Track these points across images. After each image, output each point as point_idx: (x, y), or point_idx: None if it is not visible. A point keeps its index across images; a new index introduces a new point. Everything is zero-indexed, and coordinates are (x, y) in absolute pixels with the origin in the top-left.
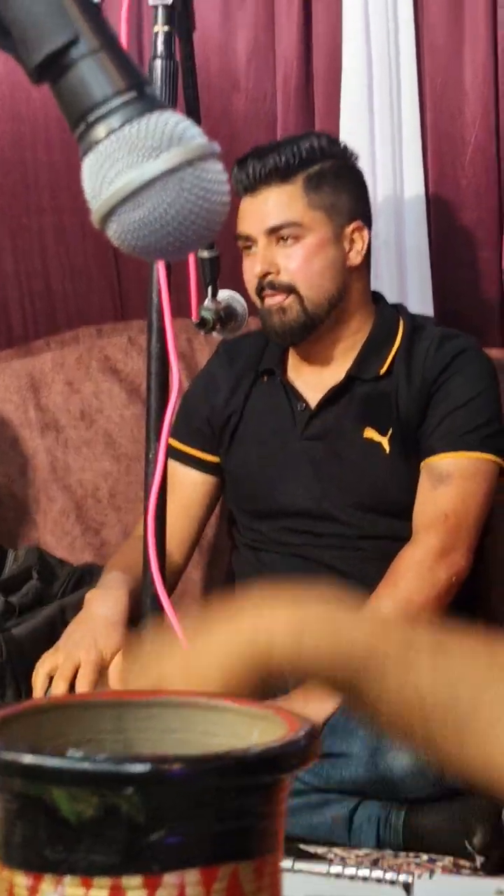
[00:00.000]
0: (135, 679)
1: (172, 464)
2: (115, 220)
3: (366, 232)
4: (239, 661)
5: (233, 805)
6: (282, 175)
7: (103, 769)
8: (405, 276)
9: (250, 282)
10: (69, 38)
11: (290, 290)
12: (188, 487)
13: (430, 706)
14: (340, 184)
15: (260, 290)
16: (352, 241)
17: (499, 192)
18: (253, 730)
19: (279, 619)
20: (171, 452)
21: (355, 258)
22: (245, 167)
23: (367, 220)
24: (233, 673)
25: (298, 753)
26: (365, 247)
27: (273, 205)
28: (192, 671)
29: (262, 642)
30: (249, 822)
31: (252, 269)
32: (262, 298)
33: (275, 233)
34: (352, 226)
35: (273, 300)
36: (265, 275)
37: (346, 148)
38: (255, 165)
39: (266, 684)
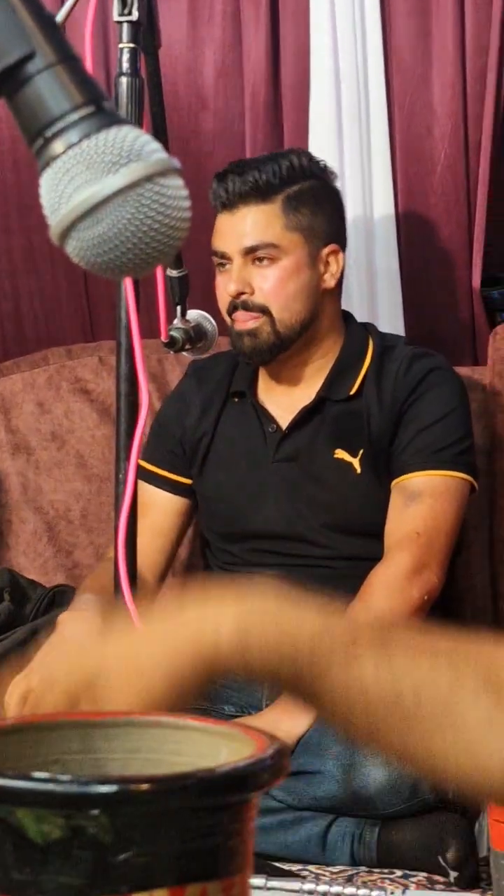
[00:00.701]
0: (74, 659)
1: (145, 486)
2: (74, 236)
3: (341, 255)
4: (182, 655)
5: (200, 825)
6: (262, 194)
7: (69, 790)
8: (376, 294)
9: (223, 299)
10: (25, 52)
11: (263, 310)
12: (160, 509)
13: (373, 701)
14: (319, 206)
15: (233, 310)
16: (327, 264)
17: (468, 210)
18: (221, 749)
19: (225, 613)
20: (144, 475)
21: (329, 281)
22: (224, 183)
23: (343, 243)
24: (176, 667)
25: (266, 772)
26: (339, 270)
27: (251, 224)
28: (133, 660)
29: (207, 636)
30: (217, 842)
31: (226, 287)
32: (233, 319)
33: (251, 253)
34: (327, 249)
35: (245, 325)
36: (239, 294)
37: (325, 167)
38: (235, 182)
39: (209, 681)
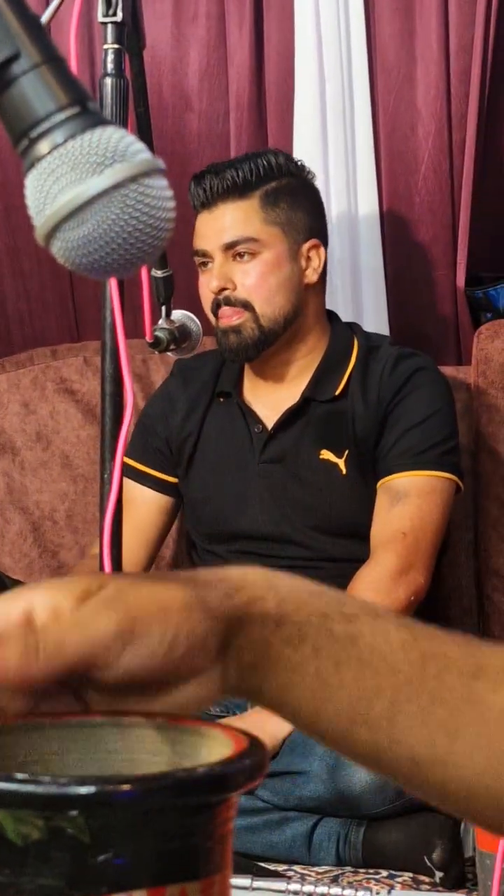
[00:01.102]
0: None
1: (130, 483)
2: (58, 237)
3: (322, 250)
4: (215, 612)
5: (179, 825)
6: (239, 191)
7: (48, 791)
8: (360, 294)
9: (206, 298)
10: (10, 53)
11: (246, 305)
12: (144, 507)
13: (398, 671)
14: (297, 201)
15: (216, 307)
16: (308, 259)
17: (452, 208)
18: (200, 749)
19: (250, 572)
20: (129, 472)
21: (311, 276)
22: (202, 183)
23: (324, 239)
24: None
25: (244, 772)
26: (321, 265)
27: (230, 220)
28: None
29: (238, 592)
30: (196, 842)
31: (208, 285)
32: (217, 317)
33: (231, 248)
34: (308, 244)
35: (229, 321)
36: (221, 290)
37: (303, 166)
38: (213, 181)
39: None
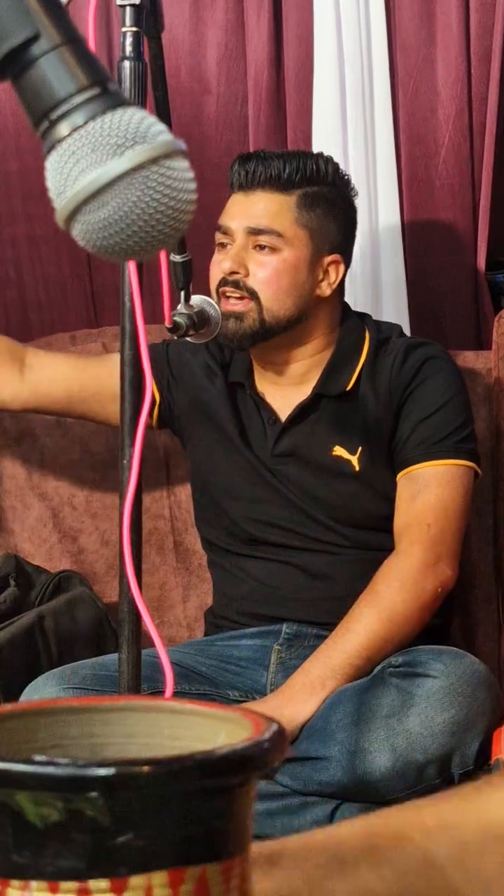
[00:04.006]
0: None
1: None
2: (79, 219)
3: (342, 267)
4: None
5: (199, 807)
6: (281, 184)
7: (68, 773)
8: (379, 278)
9: (215, 276)
10: (30, 34)
11: (252, 295)
12: (96, 373)
13: None
14: (333, 212)
15: (221, 285)
16: (326, 273)
17: (472, 192)
18: (219, 732)
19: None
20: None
21: (325, 289)
22: (246, 165)
23: (347, 258)
24: None
25: (264, 754)
26: (337, 281)
27: (263, 208)
28: None
29: None
30: (216, 824)
31: (220, 265)
32: (219, 297)
33: (254, 235)
34: (330, 257)
35: (233, 307)
36: (232, 273)
37: (349, 181)
38: (257, 167)
39: None
